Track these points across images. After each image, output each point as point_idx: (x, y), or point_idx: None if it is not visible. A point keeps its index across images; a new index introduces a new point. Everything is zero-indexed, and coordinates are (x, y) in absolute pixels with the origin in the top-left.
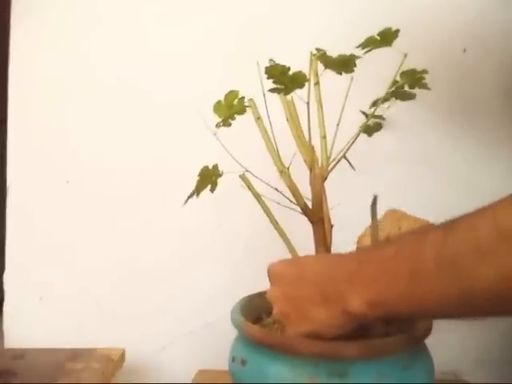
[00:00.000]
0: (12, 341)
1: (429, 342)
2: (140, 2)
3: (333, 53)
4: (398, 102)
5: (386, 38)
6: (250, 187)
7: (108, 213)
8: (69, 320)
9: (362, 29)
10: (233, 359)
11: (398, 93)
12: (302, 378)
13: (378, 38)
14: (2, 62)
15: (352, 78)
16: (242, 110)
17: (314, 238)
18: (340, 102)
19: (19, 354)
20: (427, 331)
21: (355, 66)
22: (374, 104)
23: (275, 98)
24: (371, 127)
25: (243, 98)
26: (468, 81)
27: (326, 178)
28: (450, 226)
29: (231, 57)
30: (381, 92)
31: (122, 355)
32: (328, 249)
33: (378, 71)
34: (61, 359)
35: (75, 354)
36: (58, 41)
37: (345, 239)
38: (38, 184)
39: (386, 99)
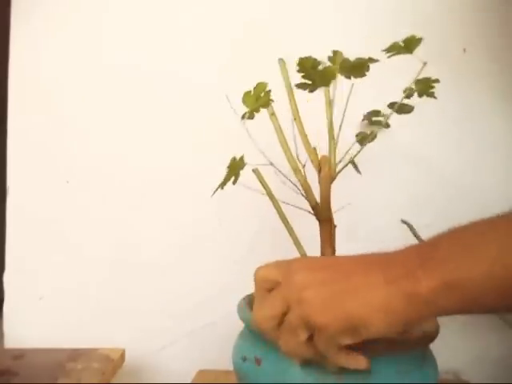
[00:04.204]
0: (12, 341)
1: None
2: (140, 2)
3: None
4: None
5: (410, 45)
6: (262, 183)
7: (108, 213)
8: (69, 320)
9: (361, 29)
10: (243, 359)
11: (397, 106)
12: (327, 378)
13: (402, 44)
14: (2, 61)
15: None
16: (267, 103)
17: (321, 237)
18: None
19: (19, 354)
20: (438, 328)
21: (368, 70)
22: (375, 114)
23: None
24: (365, 137)
25: (270, 91)
26: (468, 81)
27: (334, 179)
28: None
29: (244, 47)
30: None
31: (122, 355)
32: (334, 249)
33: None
34: (61, 359)
35: (75, 354)
36: (58, 40)
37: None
38: (38, 184)
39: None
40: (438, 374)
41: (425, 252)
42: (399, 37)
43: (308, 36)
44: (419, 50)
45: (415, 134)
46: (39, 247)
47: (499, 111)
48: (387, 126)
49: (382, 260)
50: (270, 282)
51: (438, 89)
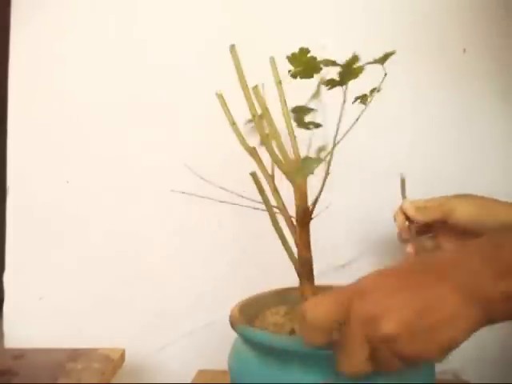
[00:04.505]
0: (12, 341)
1: None
2: (138, 3)
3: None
4: (398, 103)
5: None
6: (259, 188)
7: (108, 213)
8: (69, 320)
9: (360, 29)
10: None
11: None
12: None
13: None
14: (2, 61)
15: None
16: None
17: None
18: None
19: (19, 354)
20: None
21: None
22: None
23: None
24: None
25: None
26: (468, 81)
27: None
28: None
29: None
30: None
31: (122, 355)
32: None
33: None
34: (61, 359)
35: (75, 354)
36: (58, 40)
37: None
38: (38, 184)
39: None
40: (435, 374)
41: (487, 263)
42: (399, 37)
43: (305, 35)
44: (419, 50)
45: (415, 134)
46: (39, 247)
47: (499, 111)
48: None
49: (448, 269)
50: (332, 324)
51: (437, 88)
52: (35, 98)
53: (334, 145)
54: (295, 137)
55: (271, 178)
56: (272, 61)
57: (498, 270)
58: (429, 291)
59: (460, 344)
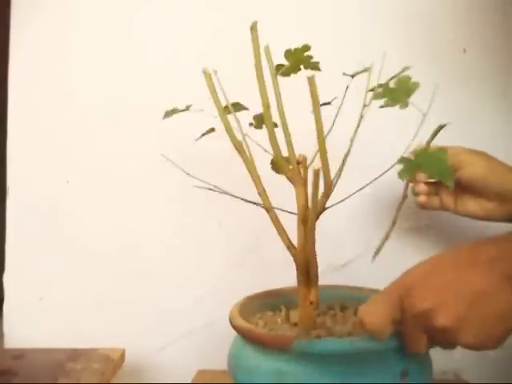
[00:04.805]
0: (12, 341)
1: None
2: (141, 3)
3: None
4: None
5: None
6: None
7: (108, 213)
8: (69, 320)
9: (357, 30)
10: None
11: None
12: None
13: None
14: (2, 61)
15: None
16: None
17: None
18: None
19: (19, 354)
20: None
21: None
22: None
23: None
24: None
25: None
26: (468, 81)
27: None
28: None
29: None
30: None
31: (122, 355)
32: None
33: None
34: (61, 359)
35: (75, 354)
36: (58, 40)
37: None
38: (38, 184)
39: None
40: (432, 374)
41: None
42: (399, 37)
43: (301, 35)
44: (419, 50)
45: (415, 135)
46: (39, 247)
47: (499, 111)
48: None
49: (496, 260)
50: (389, 325)
51: (437, 89)
52: (35, 98)
53: (351, 145)
54: (289, 134)
55: (258, 179)
56: (267, 51)
57: None
58: (478, 283)
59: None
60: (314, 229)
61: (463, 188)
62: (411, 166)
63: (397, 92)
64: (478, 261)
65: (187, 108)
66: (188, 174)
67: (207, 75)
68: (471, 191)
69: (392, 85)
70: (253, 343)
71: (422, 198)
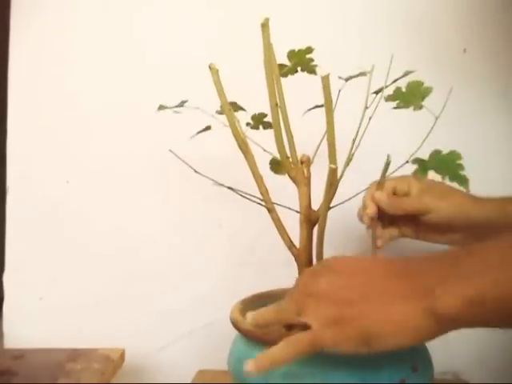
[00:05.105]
0: (12, 341)
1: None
2: (141, 3)
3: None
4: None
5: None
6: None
7: (108, 213)
8: (69, 320)
9: (360, 29)
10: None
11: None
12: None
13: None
14: (2, 61)
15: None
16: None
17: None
18: None
19: (19, 354)
20: None
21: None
22: None
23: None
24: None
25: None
26: (468, 81)
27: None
28: None
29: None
30: None
31: (122, 355)
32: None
33: None
34: (61, 359)
35: (75, 354)
36: (57, 40)
37: None
38: (37, 184)
39: None
40: (433, 374)
41: (445, 268)
42: (399, 37)
43: (301, 36)
44: (420, 50)
45: (414, 135)
46: (39, 247)
47: (499, 111)
48: None
49: (401, 272)
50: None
51: (437, 89)
52: (35, 98)
53: (356, 146)
54: (292, 135)
55: (261, 178)
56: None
57: (452, 284)
58: (375, 286)
59: (387, 345)
60: (324, 228)
61: (424, 223)
62: (425, 166)
63: (408, 95)
64: (384, 270)
65: (182, 104)
66: (196, 171)
67: (214, 71)
68: (436, 228)
69: (402, 88)
70: (255, 343)
71: (366, 220)
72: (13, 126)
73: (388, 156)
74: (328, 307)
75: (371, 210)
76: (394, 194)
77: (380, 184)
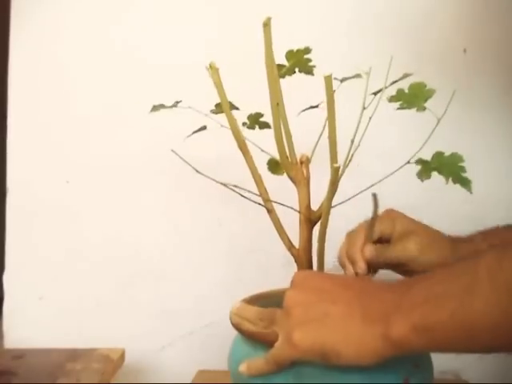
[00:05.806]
0: (12, 341)
1: None
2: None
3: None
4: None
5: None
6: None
7: (108, 213)
8: (69, 320)
9: (359, 28)
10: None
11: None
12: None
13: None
14: (2, 61)
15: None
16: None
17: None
18: None
19: (19, 354)
20: None
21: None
22: None
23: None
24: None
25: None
26: (468, 81)
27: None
28: (503, 250)
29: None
30: None
31: (122, 355)
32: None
33: None
34: (61, 359)
35: (75, 354)
36: (57, 41)
37: None
38: (38, 184)
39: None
40: (432, 374)
41: (399, 296)
42: (399, 37)
43: (300, 36)
44: (420, 50)
45: (414, 135)
46: (39, 247)
47: (499, 111)
48: None
49: (364, 297)
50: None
51: (437, 89)
52: (35, 98)
53: (356, 146)
54: (291, 136)
55: (260, 179)
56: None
57: (402, 312)
58: (338, 307)
59: (344, 362)
60: (327, 226)
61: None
62: (429, 168)
63: (411, 96)
64: (349, 293)
65: (175, 104)
66: (198, 171)
67: (214, 70)
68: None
69: (405, 90)
70: (255, 344)
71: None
72: (13, 126)
73: (374, 195)
74: (291, 321)
75: (362, 268)
76: (380, 238)
77: (368, 237)
